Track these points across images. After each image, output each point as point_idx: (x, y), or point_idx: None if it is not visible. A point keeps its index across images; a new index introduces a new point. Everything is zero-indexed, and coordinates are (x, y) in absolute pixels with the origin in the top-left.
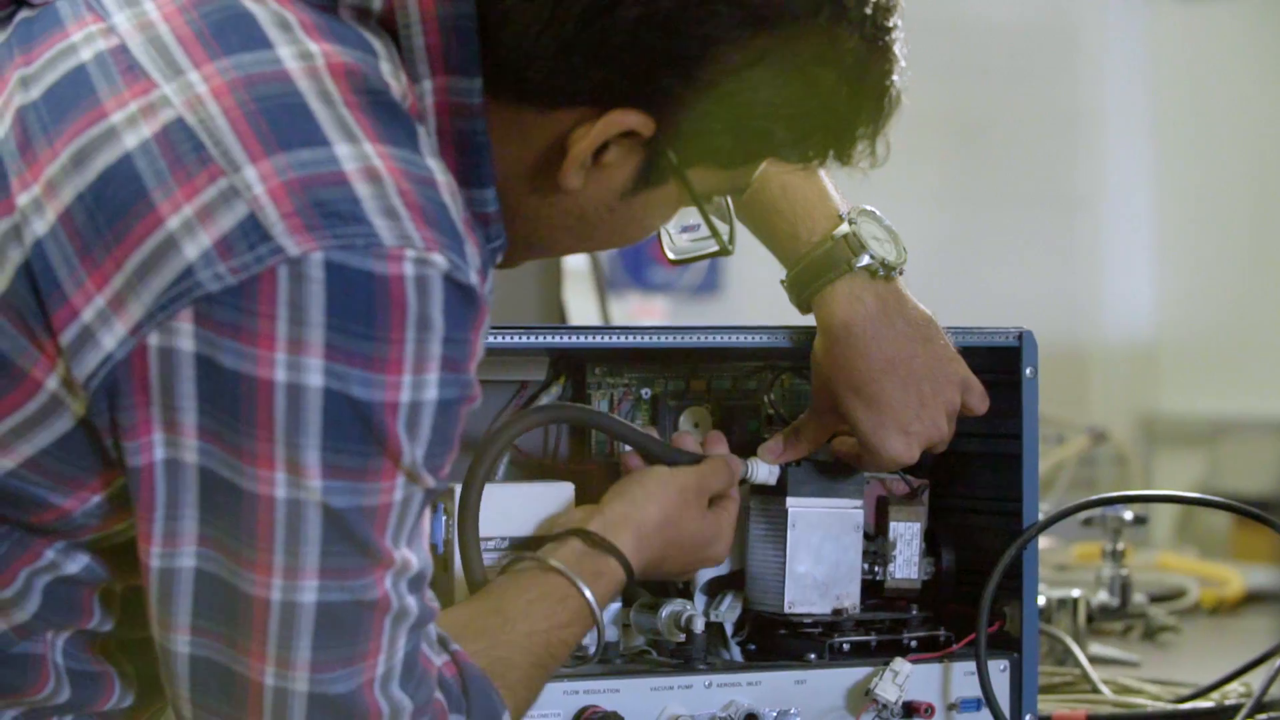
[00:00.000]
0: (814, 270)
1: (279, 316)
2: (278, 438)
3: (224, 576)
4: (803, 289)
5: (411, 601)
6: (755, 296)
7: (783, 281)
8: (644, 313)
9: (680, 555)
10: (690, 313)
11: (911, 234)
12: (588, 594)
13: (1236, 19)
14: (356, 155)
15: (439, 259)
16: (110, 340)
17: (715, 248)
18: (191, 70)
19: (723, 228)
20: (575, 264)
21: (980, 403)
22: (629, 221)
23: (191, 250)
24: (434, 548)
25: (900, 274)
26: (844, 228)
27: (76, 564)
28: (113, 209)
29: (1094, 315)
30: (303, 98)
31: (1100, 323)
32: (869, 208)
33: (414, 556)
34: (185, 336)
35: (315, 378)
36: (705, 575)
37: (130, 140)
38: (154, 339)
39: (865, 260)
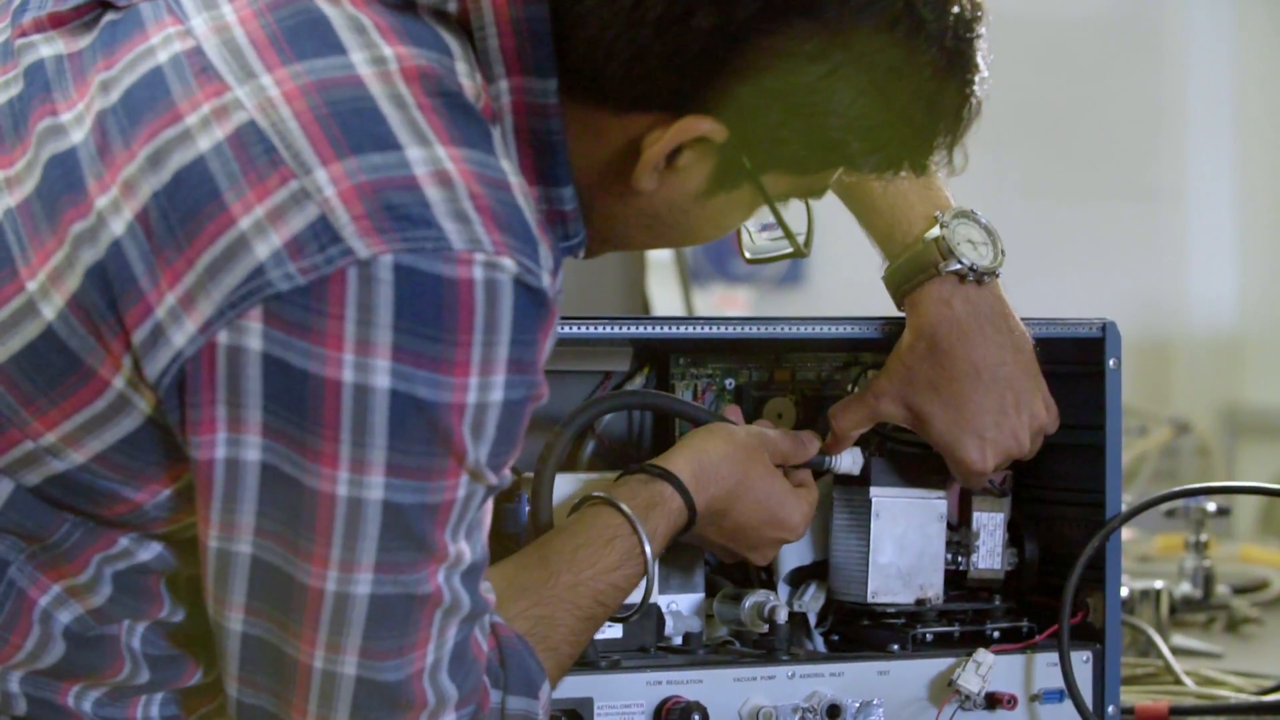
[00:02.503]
0: (904, 272)
1: (348, 318)
2: (344, 437)
3: (280, 565)
4: (895, 289)
5: (464, 594)
6: (838, 288)
7: (883, 277)
8: (728, 303)
9: (751, 505)
10: (774, 303)
11: (997, 226)
12: (637, 524)
13: None
14: (428, 159)
15: (509, 263)
16: (181, 338)
17: (792, 249)
18: (264, 74)
19: (800, 229)
20: (659, 254)
21: (1054, 423)
22: (704, 222)
23: (262, 250)
24: (516, 537)
25: (995, 277)
26: (935, 231)
27: (149, 552)
28: (186, 209)
29: (1177, 307)
30: (375, 101)
31: (1183, 314)
32: (968, 208)
33: (469, 550)
34: (254, 335)
35: (382, 379)
36: (788, 565)
37: (204, 142)
38: (223, 337)
39: (954, 265)
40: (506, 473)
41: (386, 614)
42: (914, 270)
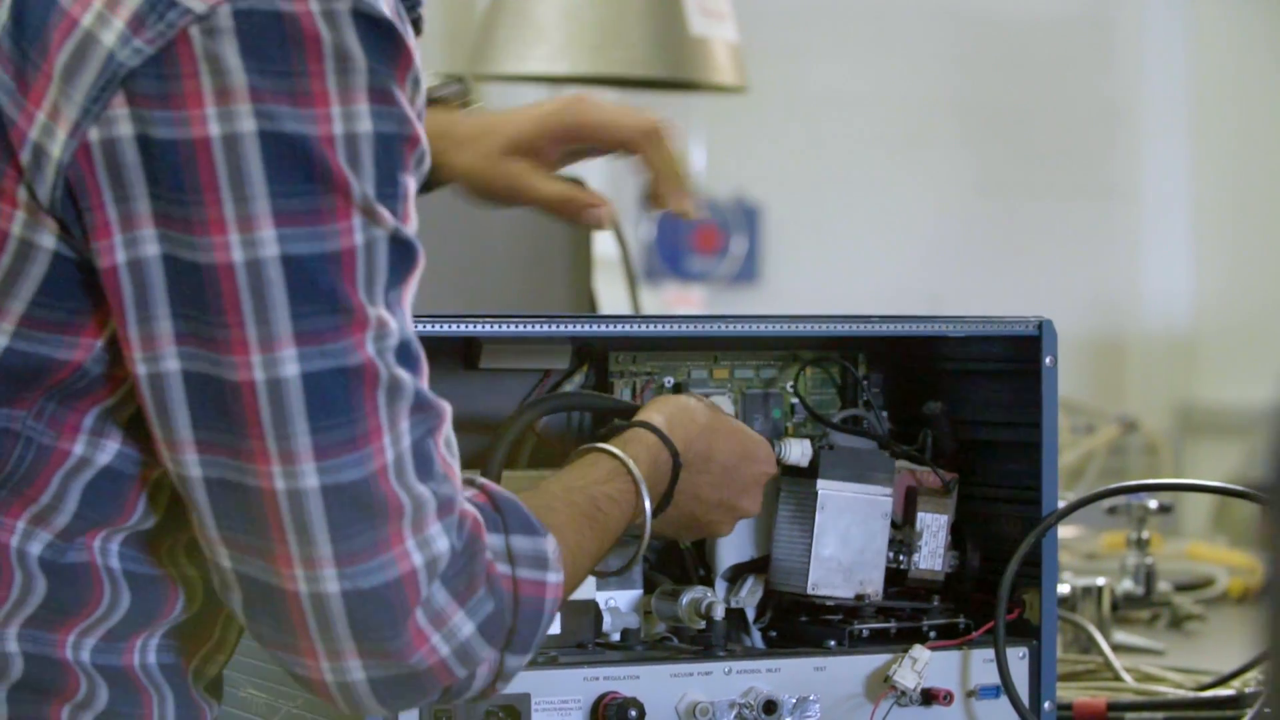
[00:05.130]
0: None
1: (201, 73)
2: (224, 196)
3: (209, 372)
4: None
5: (402, 373)
6: (792, 287)
7: None
8: (681, 302)
9: (728, 440)
10: (728, 302)
11: (950, 224)
12: (615, 451)
13: (1276, 9)
14: None
15: None
16: (56, 148)
17: None
18: None
19: None
20: (606, 253)
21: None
22: None
23: (109, 37)
24: None
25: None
26: None
27: (107, 454)
28: (31, 29)
29: (1132, 305)
30: None
31: (1137, 313)
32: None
33: (391, 318)
34: (122, 122)
35: (247, 123)
36: (726, 561)
37: None
38: (94, 134)
39: None
40: (408, 222)
41: (324, 396)
42: None
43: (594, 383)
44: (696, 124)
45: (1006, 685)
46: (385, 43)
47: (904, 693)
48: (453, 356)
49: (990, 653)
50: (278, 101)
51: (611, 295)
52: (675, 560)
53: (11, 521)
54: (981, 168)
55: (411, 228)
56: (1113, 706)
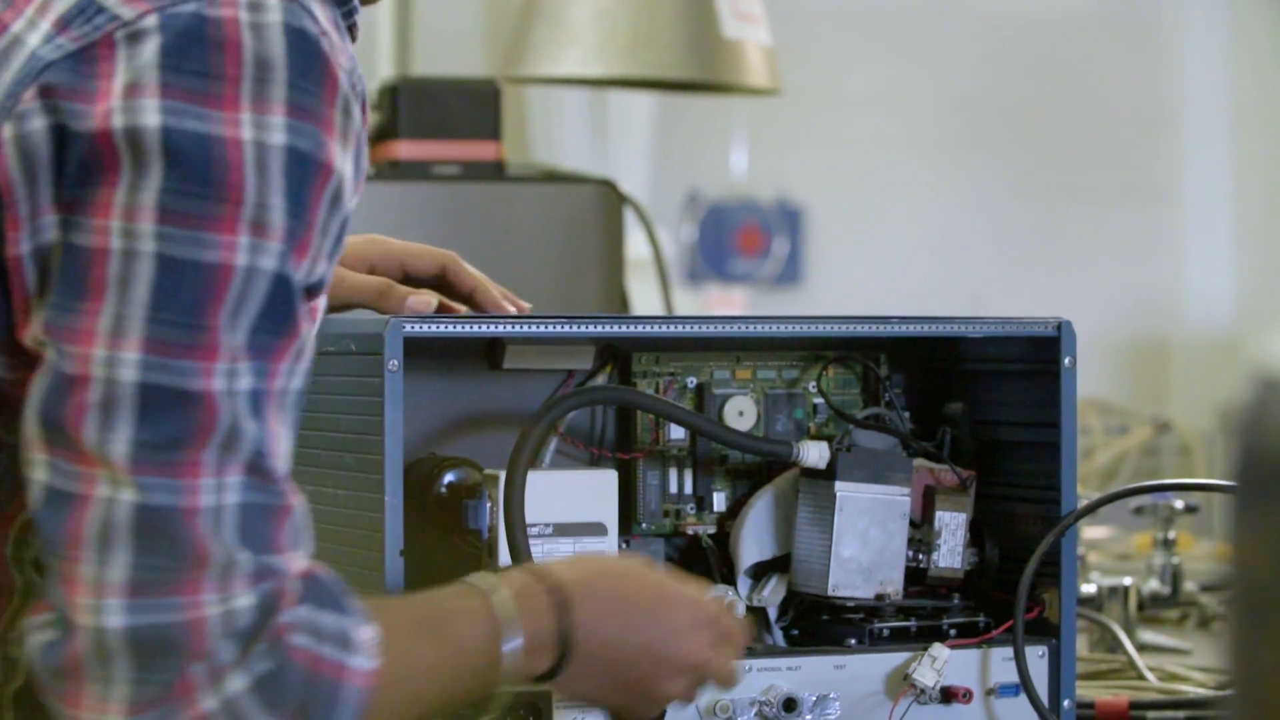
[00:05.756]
0: None
1: (117, 71)
2: (120, 182)
3: (54, 363)
4: None
5: (248, 429)
6: (835, 287)
7: None
8: (724, 303)
9: (643, 587)
10: (771, 303)
11: (992, 226)
12: (467, 579)
13: None
14: None
15: (273, 3)
16: None
17: None
18: None
19: None
20: (640, 254)
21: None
22: None
23: (34, 38)
24: (478, 534)
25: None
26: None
27: None
28: None
29: (1173, 307)
30: None
31: (1179, 315)
32: None
33: (248, 365)
34: (34, 115)
35: (151, 117)
36: (749, 559)
37: None
38: (8, 130)
39: None
40: (314, 258)
41: (154, 408)
42: None
43: (618, 383)
44: (738, 127)
45: (1025, 684)
46: (311, 59)
47: (923, 691)
48: (477, 357)
49: (1010, 651)
50: (187, 100)
51: (646, 296)
52: (698, 558)
53: (5, 532)
54: (1023, 169)
55: (313, 268)
56: (1135, 705)
